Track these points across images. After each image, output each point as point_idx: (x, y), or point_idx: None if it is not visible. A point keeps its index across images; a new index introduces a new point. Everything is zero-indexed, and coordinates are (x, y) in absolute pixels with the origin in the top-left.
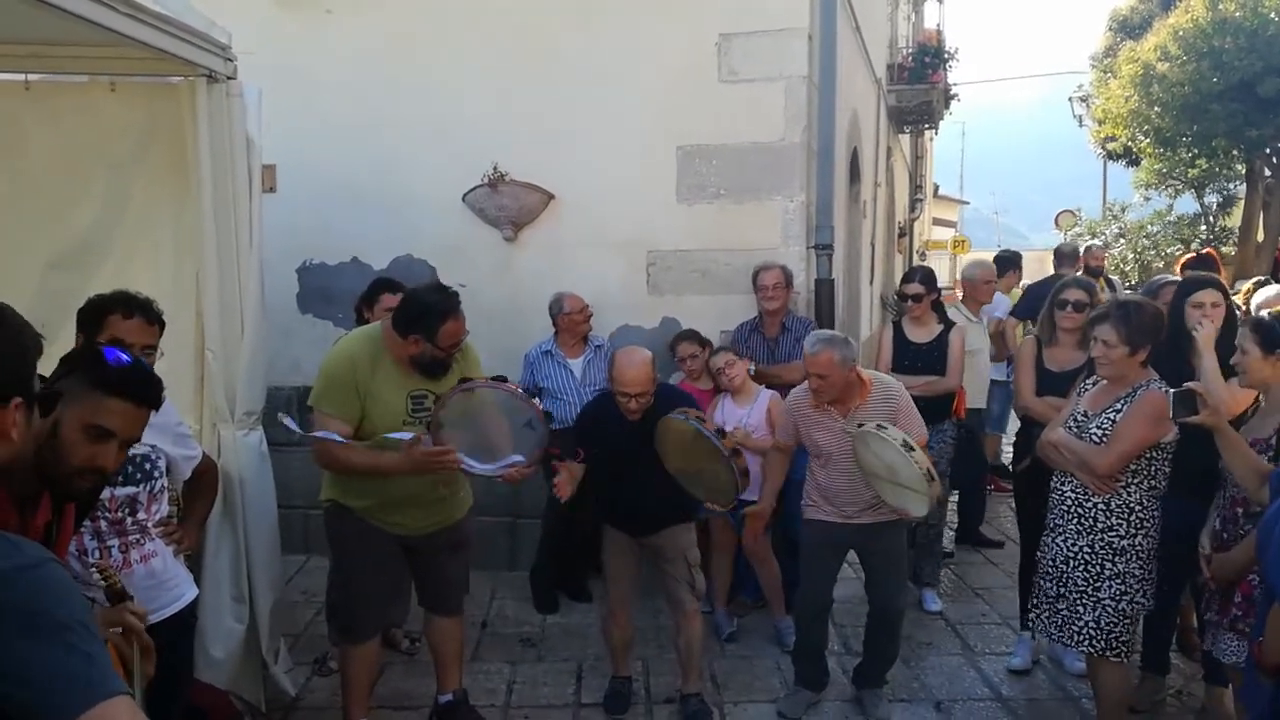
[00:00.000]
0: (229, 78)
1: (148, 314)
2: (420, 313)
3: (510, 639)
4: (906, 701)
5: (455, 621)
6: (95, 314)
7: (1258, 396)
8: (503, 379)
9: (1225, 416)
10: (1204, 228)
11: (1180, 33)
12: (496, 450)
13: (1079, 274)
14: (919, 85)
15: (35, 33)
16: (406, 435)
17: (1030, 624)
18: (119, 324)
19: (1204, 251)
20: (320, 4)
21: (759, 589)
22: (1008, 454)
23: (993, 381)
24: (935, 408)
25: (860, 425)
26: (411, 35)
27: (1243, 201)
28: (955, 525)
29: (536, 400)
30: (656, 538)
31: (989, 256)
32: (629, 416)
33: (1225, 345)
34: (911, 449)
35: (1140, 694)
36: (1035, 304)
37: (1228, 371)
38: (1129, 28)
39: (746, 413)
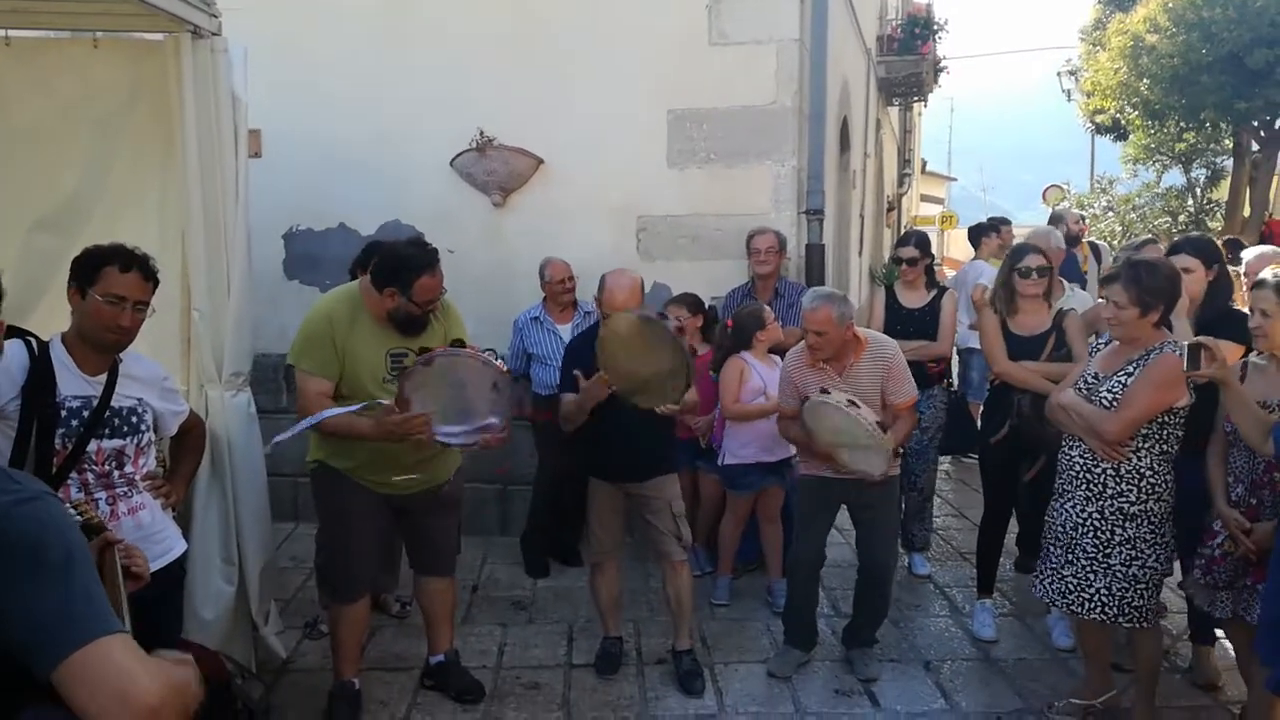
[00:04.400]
0: (214, 34)
1: (144, 269)
2: (397, 266)
3: (501, 602)
4: (896, 662)
5: (447, 582)
6: (91, 265)
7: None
8: (460, 343)
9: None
10: (1191, 201)
11: (1169, 4)
12: (471, 413)
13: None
14: (908, 56)
15: None
16: (387, 402)
17: (1034, 589)
18: (115, 276)
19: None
20: None
21: (750, 553)
22: None
23: (972, 349)
24: (925, 372)
25: (805, 399)
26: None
27: (1230, 175)
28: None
29: (500, 361)
30: (643, 486)
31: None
32: None
33: (1211, 307)
34: (856, 405)
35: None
36: None
37: (1215, 333)
38: (1118, 0)
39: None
